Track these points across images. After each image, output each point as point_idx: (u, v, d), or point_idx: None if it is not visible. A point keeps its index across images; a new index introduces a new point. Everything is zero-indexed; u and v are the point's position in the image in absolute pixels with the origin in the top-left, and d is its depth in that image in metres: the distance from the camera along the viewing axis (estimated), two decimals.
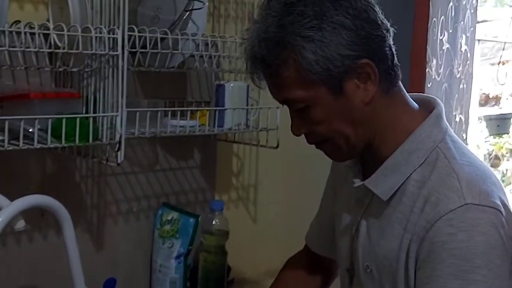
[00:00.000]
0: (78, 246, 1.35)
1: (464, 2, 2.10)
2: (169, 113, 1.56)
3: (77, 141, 1.30)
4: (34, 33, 1.25)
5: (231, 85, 1.65)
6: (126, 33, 1.34)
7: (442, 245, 1.00)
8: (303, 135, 1.13)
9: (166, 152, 1.78)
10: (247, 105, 1.69)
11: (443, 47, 1.98)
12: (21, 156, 1.46)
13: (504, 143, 4.47)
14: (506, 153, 4.49)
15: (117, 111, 1.35)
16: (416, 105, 1.14)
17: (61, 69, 1.38)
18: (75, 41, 1.28)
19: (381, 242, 1.11)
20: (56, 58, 1.35)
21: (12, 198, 1.25)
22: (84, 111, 1.38)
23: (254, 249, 2.06)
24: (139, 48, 1.42)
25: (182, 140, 1.80)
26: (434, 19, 1.86)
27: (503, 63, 4.06)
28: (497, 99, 4.42)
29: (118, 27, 1.32)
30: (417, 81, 1.84)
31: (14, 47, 1.23)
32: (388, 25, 1.08)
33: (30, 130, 1.24)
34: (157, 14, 1.52)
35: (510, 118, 3.93)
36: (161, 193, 1.78)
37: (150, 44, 1.43)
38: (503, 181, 4.41)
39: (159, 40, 1.45)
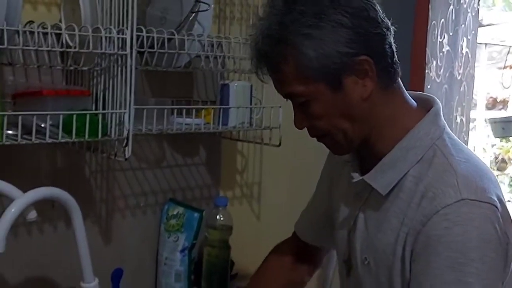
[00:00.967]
0: (87, 238, 1.41)
1: (465, 6, 2.14)
2: (176, 111, 1.62)
3: (86, 136, 1.36)
4: (46, 33, 1.31)
5: (236, 84, 1.71)
6: (135, 33, 1.40)
7: (438, 238, 1.03)
8: (304, 130, 1.16)
9: (173, 149, 1.84)
10: (251, 104, 1.74)
11: (443, 49, 2.02)
12: (33, 151, 1.52)
13: (511, 147, 4.48)
14: None
15: (125, 109, 1.40)
16: (414, 103, 1.17)
17: (72, 68, 1.43)
18: (85, 41, 1.34)
19: (378, 235, 1.14)
20: (67, 57, 1.41)
21: (24, 191, 1.31)
22: (93, 108, 1.44)
23: (257, 245, 2.11)
24: (147, 48, 1.48)
25: (188, 138, 1.85)
26: (434, 21, 1.91)
27: (510, 67, 4.07)
28: (504, 103, 4.43)
29: (127, 28, 1.38)
30: (417, 82, 1.87)
31: (27, 46, 1.29)
32: (389, 24, 1.11)
33: (42, 125, 1.30)
34: (165, 15, 1.58)
35: None
36: (168, 188, 1.84)
37: (157, 44, 1.48)
38: (510, 185, 4.43)
39: (166, 40, 1.50)
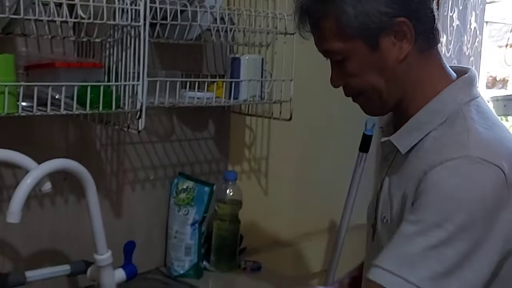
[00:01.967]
0: None
1: None
2: (187, 85, 1.61)
3: (100, 108, 1.35)
4: (60, 4, 1.30)
5: (246, 57, 1.70)
6: (148, 4, 1.39)
7: (433, 184, 1.03)
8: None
9: (182, 123, 1.83)
10: (262, 77, 1.73)
11: (453, 24, 2.02)
12: (45, 123, 1.52)
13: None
14: None
15: (138, 81, 1.40)
16: (451, 71, 1.18)
17: (84, 39, 1.42)
18: (99, 12, 1.33)
19: (395, 192, 1.15)
20: (80, 29, 1.40)
21: (38, 163, 1.31)
22: (105, 81, 1.43)
23: (265, 220, 2.12)
24: (160, 19, 1.47)
25: (197, 112, 1.85)
26: None
27: (511, 46, 4.05)
28: (504, 82, 4.41)
29: None
30: None
31: (40, 17, 1.28)
32: None
33: (57, 97, 1.29)
34: None
35: None
36: (177, 162, 1.84)
37: (170, 15, 1.47)
38: None
39: (179, 12, 1.49)
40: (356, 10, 1.07)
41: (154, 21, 1.46)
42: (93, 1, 1.32)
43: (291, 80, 1.72)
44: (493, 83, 4.37)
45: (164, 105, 1.52)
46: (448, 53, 2.01)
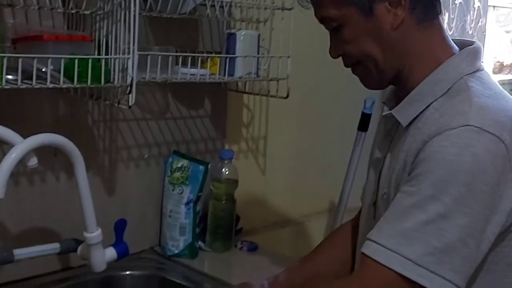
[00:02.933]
0: (90, 189, 1.38)
1: None
2: (180, 60, 1.57)
3: (89, 82, 1.32)
4: None
5: (242, 33, 1.66)
6: None
7: (431, 155, 1.01)
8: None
9: (177, 101, 1.80)
10: (258, 54, 1.69)
11: (456, 1, 1.97)
12: (34, 98, 1.49)
13: None
14: None
15: (128, 54, 1.36)
16: (453, 44, 1.16)
17: (73, 11, 1.38)
18: None
19: (394, 167, 1.12)
20: (69, 0, 1.36)
21: (25, 138, 1.28)
22: (96, 55, 1.40)
23: (262, 200, 2.09)
24: None
25: (193, 90, 1.81)
26: None
27: None
28: (511, 67, 4.37)
29: None
30: None
31: None
32: None
33: (43, 69, 1.26)
34: None
35: None
36: (172, 141, 1.80)
37: None
38: None
39: None
40: None
41: None
42: None
43: (288, 57, 1.68)
44: (500, 68, 4.31)
45: (156, 80, 1.48)
46: (450, 31, 1.97)
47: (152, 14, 1.49)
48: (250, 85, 1.83)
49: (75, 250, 1.49)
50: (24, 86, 1.24)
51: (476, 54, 1.13)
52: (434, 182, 0.99)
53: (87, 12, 1.37)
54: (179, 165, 1.76)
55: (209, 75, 1.61)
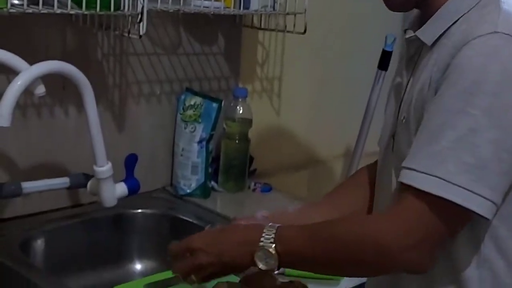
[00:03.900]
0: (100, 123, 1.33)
1: None
2: None
3: (98, 8, 1.26)
4: None
5: None
6: None
7: (457, 67, 0.94)
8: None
9: (190, 36, 1.74)
10: None
11: None
12: (41, 28, 1.43)
13: None
14: None
15: None
16: None
17: None
18: None
19: (417, 87, 1.05)
20: None
21: None
22: None
23: (277, 142, 2.04)
24: None
25: (207, 25, 1.75)
26: None
27: None
28: None
29: None
30: None
31: None
32: None
33: None
34: None
35: None
36: (184, 78, 1.75)
37: None
38: None
39: None
40: None
41: None
42: None
43: None
44: None
45: (168, 10, 1.42)
46: None
47: None
48: (266, 20, 1.76)
49: (85, 186, 1.45)
50: (30, 10, 1.20)
51: None
52: (460, 95, 0.93)
53: None
54: (192, 103, 1.70)
55: (224, 7, 1.55)
